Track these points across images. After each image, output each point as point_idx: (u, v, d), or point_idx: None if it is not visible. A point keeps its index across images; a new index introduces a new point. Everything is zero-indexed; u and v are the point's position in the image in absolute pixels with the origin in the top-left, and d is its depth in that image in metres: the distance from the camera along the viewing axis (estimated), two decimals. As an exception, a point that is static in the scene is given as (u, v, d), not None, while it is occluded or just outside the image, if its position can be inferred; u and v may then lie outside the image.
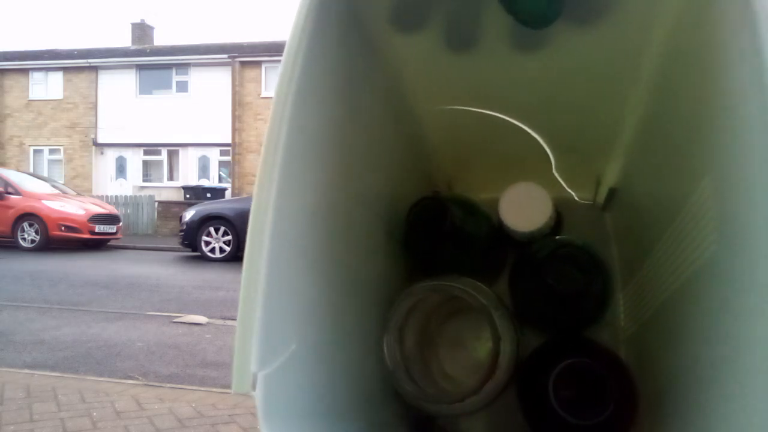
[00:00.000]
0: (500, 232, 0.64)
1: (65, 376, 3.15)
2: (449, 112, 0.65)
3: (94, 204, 10.74)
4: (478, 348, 0.55)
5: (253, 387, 0.32)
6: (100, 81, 16.82)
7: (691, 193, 0.44)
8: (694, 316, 0.41)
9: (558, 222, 0.66)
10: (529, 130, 0.65)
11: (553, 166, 0.70)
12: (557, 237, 0.60)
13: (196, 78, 16.29)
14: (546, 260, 0.52)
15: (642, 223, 0.58)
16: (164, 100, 16.42)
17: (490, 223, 0.65)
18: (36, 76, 17.18)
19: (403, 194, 0.58)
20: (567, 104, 0.62)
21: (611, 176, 0.69)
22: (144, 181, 16.68)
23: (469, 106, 0.63)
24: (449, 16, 0.50)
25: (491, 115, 0.64)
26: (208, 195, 13.25)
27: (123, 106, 16.54)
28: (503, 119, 0.64)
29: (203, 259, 8.92)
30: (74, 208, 10.09)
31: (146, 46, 18.10)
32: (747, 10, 0.33)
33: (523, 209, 0.59)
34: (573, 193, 0.73)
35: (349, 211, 0.51)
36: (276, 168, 0.37)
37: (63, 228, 9.79)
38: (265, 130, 0.38)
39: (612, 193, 0.68)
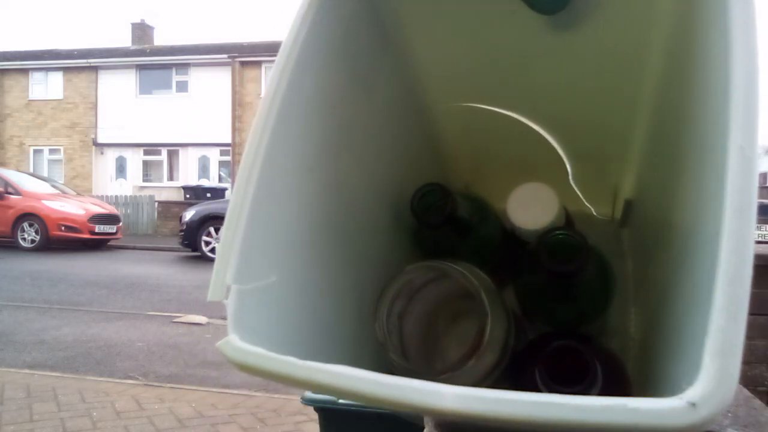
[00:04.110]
0: (512, 236, 0.64)
1: (65, 376, 3.15)
2: (465, 113, 0.65)
3: (94, 204, 10.74)
4: (470, 331, 0.55)
5: (226, 296, 0.35)
6: (100, 81, 16.82)
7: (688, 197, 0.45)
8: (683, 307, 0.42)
9: (568, 226, 0.66)
10: (543, 132, 0.65)
11: (570, 176, 0.70)
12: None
13: (196, 78, 16.28)
14: (541, 242, 0.52)
15: (652, 233, 0.58)
16: (164, 100, 16.41)
17: (499, 224, 0.64)
18: (36, 76, 17.18)
19: (415, 187, 0.59)
20: (579, 107, 0.62)
21: (627, 187, 0.69)
22: (144, 181, 16.68)
23: (485, 105, 0.64)
24: None
25: (507, 119, 0.64)
26: (208, 195, 13.24)
27: (123, 106, 16.53)
28: (518, 121, 0.64)
29: (203, 259, 8.92)
30: (74, 208, 10.09)
31: (146, 46, 18.09)
32: (724, 14, 0.34)
33: (530, 208, 0.60)
34: (591, 208, 0.73)
35: (352, 182, 0.52)
36: (271, 117, 0.39)
37: (63, 228, 9.79)
38: (266, 84, 0.41)
39: (628, 205, 0.68)
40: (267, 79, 0.40)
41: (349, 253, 0.55)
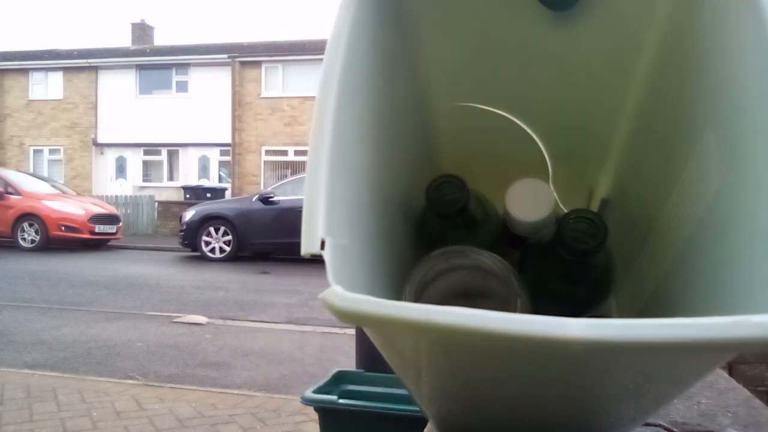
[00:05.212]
0: (506, 230, 0.66)
1: (65, 376, 3.15)
2: (459, 114, 0.67)
3: (94, 204, 10.74)
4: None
5: (322, 247, 0.34)
6: (100, 81, 16.81)
7: (676, 182, 0.47)
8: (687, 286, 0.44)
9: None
10: (533, 135, 0.67)
11: (550, 178, 0.72)
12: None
13: (196, 78, 16.28)
14: (563, 226, 0.54)
15: (632, 229, 0.60)
16: (164, 100, 16.40)
17: (498, 217, 0.67)
18: (36, 76, 17.17)
19: (416, 186, 0.60)
20: (567, 111, 0.65)
21: (603, 187, 0.71)
22: (144, 181, 16.67)
23: (483, 104, 0.66)
24: None
25: (496, 120, 0.67)
26: (208, 195, 13.24)
27: (123, 106, 16.52)
28: (510, 123, 0.67)
29: (203, 259, 8.92)
30: (74, 208, 10.09)
31: (146, 46, 18.09)
32: (750, 11, 0.35)
33: (528, 201, 0.62)
34: (564, 209, 0.75)
35: (385, 161, 0.55)
36: (332, 96, 0.41)
37: (63, 228, 9.79)
38: (318, 82, 0.43)
39: (604, 204, 0.71)
40: (322, 65, 0.45)
41: (389, 228, 0.56)
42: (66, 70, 16.91)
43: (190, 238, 9.08)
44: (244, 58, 15.62)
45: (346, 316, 0.31)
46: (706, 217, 0.44)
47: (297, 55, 15.16)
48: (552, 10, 0.54)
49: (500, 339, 0.29)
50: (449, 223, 0.62)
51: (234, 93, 15.55)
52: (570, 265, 0.58)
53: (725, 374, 0.97)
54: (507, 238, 0.67)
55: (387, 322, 0.31)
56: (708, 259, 0.42)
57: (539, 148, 0.70)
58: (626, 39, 0.54)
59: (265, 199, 8.83)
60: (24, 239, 9.75)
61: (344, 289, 0.32)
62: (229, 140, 15.65)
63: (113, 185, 16.60)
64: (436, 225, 0.63)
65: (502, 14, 0.57)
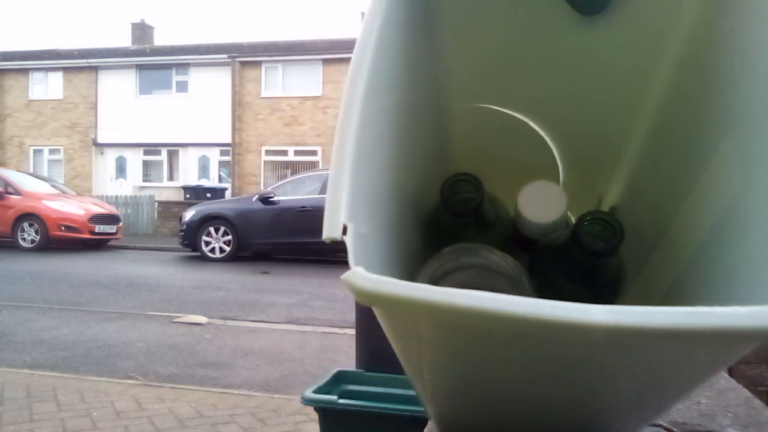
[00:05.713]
0: (516, 232, 0.66)
1: (65, 376, 3.15)
2: (474, 115, 0.66)
3: (94, 204, 10.73)
4: None
5: (344, 232, 0.34)
6: (100, 81, 16.80)
7: (690, 189, 0.47)
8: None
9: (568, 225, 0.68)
10: (548, 139, 0.67)
11: (561, 184, 0.72)
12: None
13: (196, 78, 16.27)
14: (579, 223, 0.54)
15: (641, 235, 0.60)
16: (164, 100, 16.40)
17: (510, 219, 0.67)
18: (36, 76, 17.16)
19: (429, 184, 0.60)
20: (583, 116, 0.65)
21: (613, 194, 0.71)
22: (144, 181, 16.67)
23: (499, 106, 0.66)
24: None
25: (512, 123, 0.67)
26: (208, 195, 13.24)
27: (123, 106, 16.52)
28: (524, 126, 0.67)
29: (203, 259, 8.91)
30: (74, 208, 10.08)
31: (146, 46, 18.08)
32: None
33: (540, 203, 0.63)
34: (572, 217, 0.75)
35: (402, 157, 0.56)
36: (359, 92, 0.42)
37: (63, 228, 9.79)
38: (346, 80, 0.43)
39: (612, 212, 0.71)
40: (352, 56, 0.45)
41: (402, 223, 0.57)
42: (66, 70, 16.90)
43: (190, 238, 9.08)
44: (244, 58, 15.62)
45: (367, 297, 0.31)
46: (723, 221, 0.44)
47: (297, 55, 15.15)
48: (582, 14, 0.54)
49: (521, 323, 0.28)
50: (461, 222, 0.62)
51: (234, 93, 15.55)
52: (582, 267, 0.58)
53: (725, 374, 0.97)
54: (517, 240, 0.67)
55: (408, 303, 0.30)
56: (724, 262, 0.43)
57: (552, 152, 0.69)
58: (650, 43, 0.55)
59: (265, 199, 8.83)
60: (24, 239, 9.75)
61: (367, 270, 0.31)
62: (229, 140, 15.65)
63: (113, 185, 16.59)
64: (448, 223, 0.63)
65: (527, 15, 0.57)
